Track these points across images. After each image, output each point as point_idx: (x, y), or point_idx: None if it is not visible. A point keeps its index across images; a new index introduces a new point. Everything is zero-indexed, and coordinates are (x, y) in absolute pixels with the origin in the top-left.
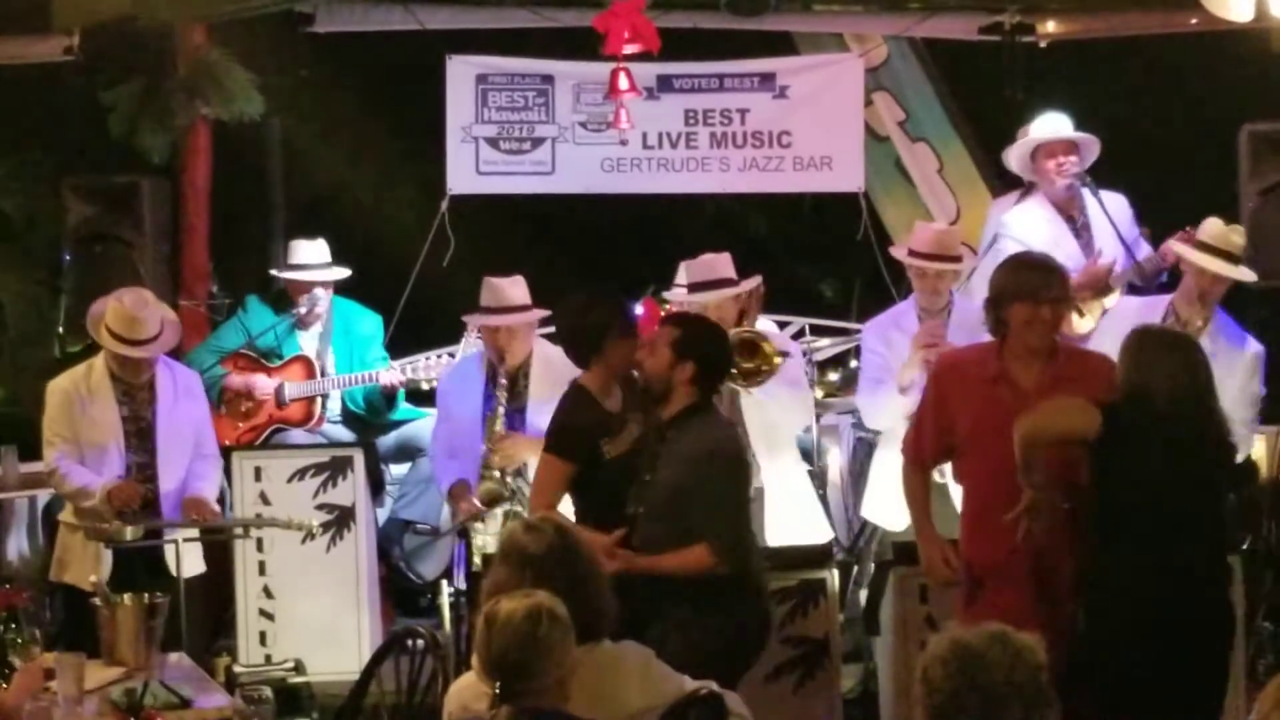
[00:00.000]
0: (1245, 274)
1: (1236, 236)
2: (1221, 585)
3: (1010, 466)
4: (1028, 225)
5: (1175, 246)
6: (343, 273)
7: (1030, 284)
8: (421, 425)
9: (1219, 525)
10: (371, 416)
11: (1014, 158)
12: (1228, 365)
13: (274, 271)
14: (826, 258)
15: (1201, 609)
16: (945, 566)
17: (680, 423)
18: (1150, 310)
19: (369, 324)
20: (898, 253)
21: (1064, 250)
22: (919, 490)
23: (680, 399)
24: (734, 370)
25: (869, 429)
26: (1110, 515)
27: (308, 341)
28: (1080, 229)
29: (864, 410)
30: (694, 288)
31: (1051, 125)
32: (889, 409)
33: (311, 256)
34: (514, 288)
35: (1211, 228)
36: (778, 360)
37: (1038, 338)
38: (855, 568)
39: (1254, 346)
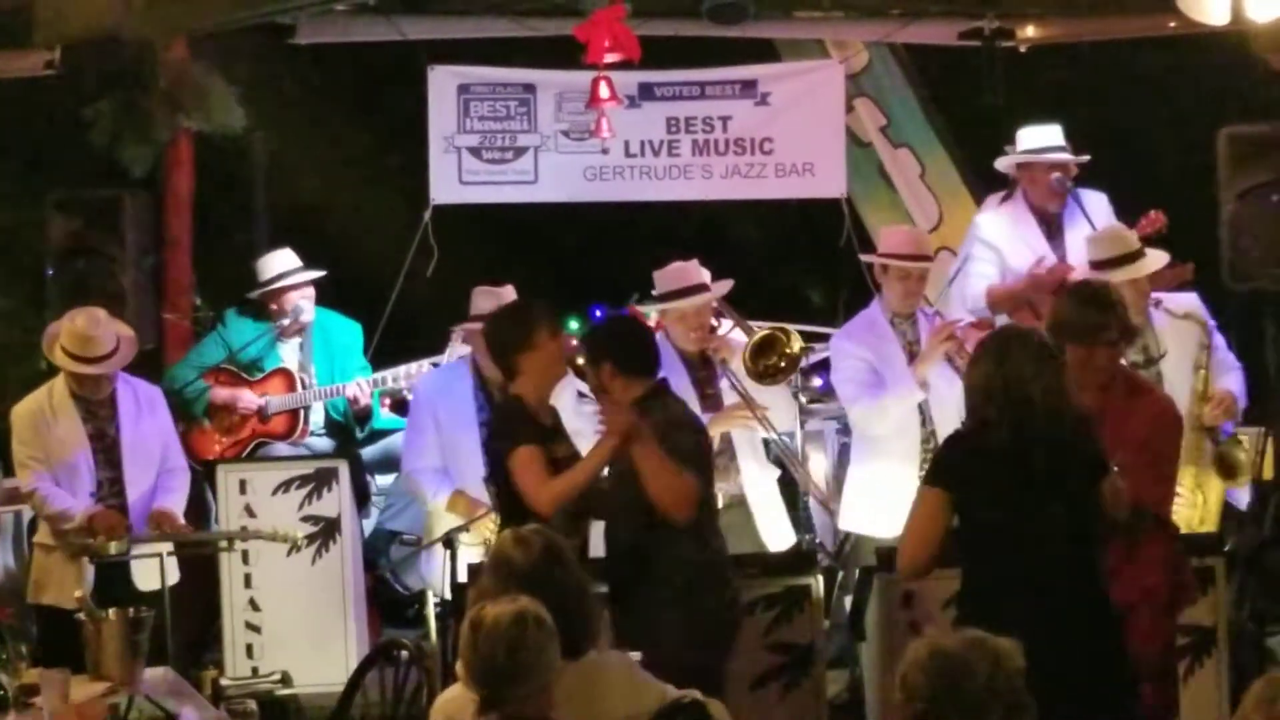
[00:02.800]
0: (1155, 258)
1: (1124, 233)
2: None
3: None
4: (999, 228)
5: (1079, 276)
6: (319, 272)
7: (1087, 325)
8: None
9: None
10: (352, 427)
11: (1005, 166)
12: (1183, 337)
13: (250, 294)
14: (812, 264)
15: None
16: None
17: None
18: None
19: (349, 333)
20: (871, 258)
21: (1035, 252)
22: None
23: None
24: (768, 374)
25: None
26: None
27: (289, 353)
28: (1054, 232)
29: (866, 414)
30: (664, 297)
31: (1053, 137)
32: (898, 410)
33: (284, 265)
34: (507, 297)
35: (1099, 243)
36: (798, 347)
37: (1091, 378)
38: (840, 573)
39: (1192, 299)
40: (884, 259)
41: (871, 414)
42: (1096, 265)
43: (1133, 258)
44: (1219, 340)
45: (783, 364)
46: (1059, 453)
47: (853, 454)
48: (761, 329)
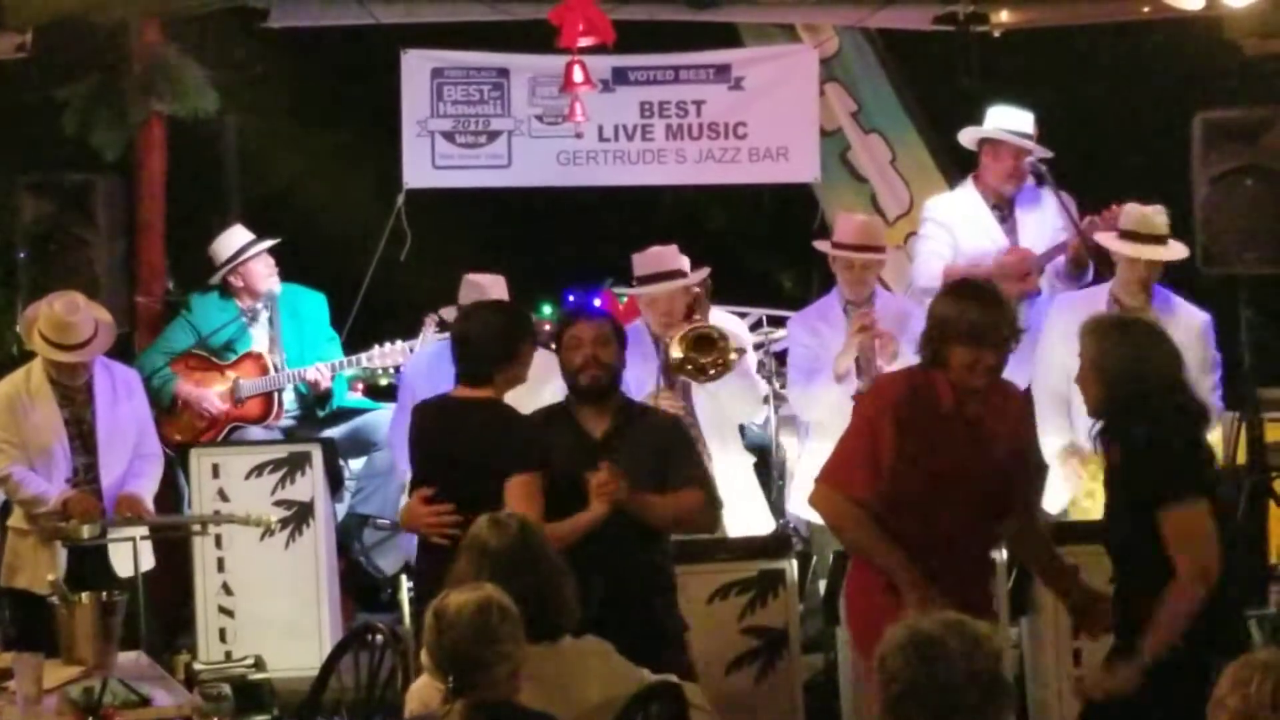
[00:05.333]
0: (1177, 250)
1: (1159, 217)
2: None
3: (958, 502)
4: (951, 208)
5: (1103, 241)
6: (275, 240)
7: (976, 326)
8: (375, 417)
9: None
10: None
11: (970, 138)
12: (1179, 337)
13: (212, 279)
14: (785, 249)
15: None
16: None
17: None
18: (1091, 301)
19: (313, 303)
20: (823, 246)
21: (989, 234)
22: (870, 527)
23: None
24: (690, 365)
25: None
26: None
27: (259, 334)
28: (1005, 215)
29: (798, 402)
30: (641, 280)
31: (1024, 123)
32: (825, 399)
33: (241, 240)
34: (497, 287)
35: (1132, 213)
36: (733, 357)
37: (980, 380)
38: (814, 558)
39: (1199, 315)
40: (831, 249)
41: (801, 401)
42: (1121, 234)
43: (1159, 239)
44: (1213, 376)
45: (711, 370)
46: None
47: (802, 437)
48: (701, 326)
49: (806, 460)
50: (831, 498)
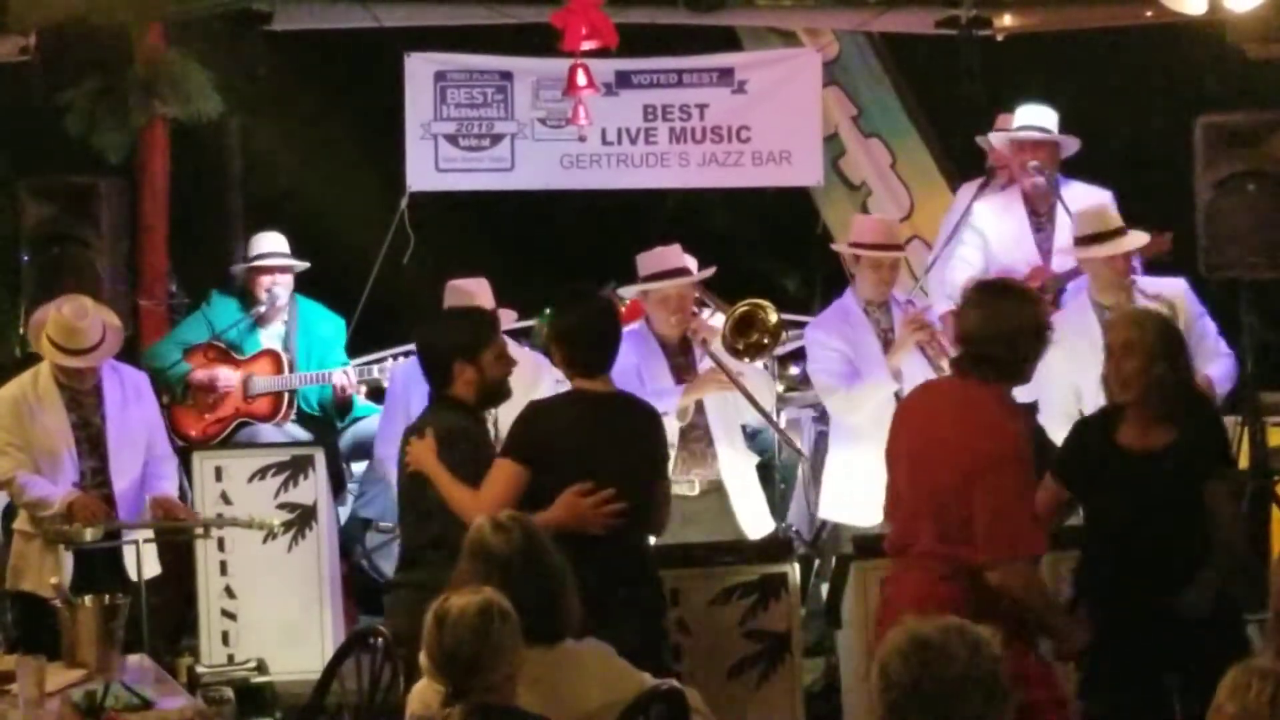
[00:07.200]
0: (1137, 237)
1: (1110, 210)
2: None
3: None
4: (992, 217)
5: (1068, 255)
6: (302, 265)
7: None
8: (377, 421)
9: None
10: (326, 419)
11: (995, 141)
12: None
13: (234, 268)
14: (787, 252)
15: None
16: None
17: None
18: (1080, 312)
19: (330, 327)
20: (841, 248)
21: (1022, 248)
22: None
23: None
24: (741, 350)
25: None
26: None
27: (269, 339)
28: (1043, 223)
29: (839, 405)
30: (647, 279)
31: (1034, 117)
32: (874, 398)
33: (272, 246)
34: (481, 291)
35: (1085, 217)
36: (775, 320)
37: None
38: (817, 561)
39: (1176, 283)
40: (855, 249)
41: (847, 404)
42: (1078, 241)
43: (1112, 235)
44: (1208, 328)
45: (765, 340)
46: None
47: (831, 442)
48: (738, 306)
49: (834, 465)
50: (1025, 572)
